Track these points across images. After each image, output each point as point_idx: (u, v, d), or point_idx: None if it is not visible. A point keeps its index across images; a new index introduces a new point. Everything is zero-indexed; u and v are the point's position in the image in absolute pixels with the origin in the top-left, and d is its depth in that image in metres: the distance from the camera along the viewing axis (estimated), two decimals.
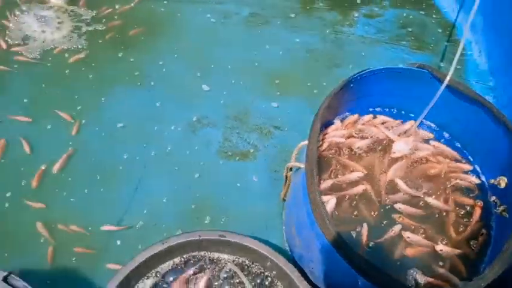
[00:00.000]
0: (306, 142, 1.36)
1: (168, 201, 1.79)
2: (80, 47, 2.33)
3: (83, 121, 2.03)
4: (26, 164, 1.85)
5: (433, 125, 1.62)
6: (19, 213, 1.71)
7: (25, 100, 2.09)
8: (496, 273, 1.00)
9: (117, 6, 2.58)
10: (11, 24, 2.36)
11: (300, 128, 2.05)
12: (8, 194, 1.75)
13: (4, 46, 2.25)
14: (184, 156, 1.95)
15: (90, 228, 1.68)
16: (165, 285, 1.29)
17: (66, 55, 2.29)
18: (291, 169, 1.52)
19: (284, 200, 1.75)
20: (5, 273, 1.17)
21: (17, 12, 2.42)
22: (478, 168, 1.47)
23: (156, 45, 2.43)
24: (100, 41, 2.39)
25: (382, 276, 1.04)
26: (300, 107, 2.17)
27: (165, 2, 2.66)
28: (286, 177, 1.59)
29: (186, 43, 2.46)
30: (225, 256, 1.37)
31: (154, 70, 2.30)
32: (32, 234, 1.65)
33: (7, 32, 2.33)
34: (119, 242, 1.65)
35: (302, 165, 1.34)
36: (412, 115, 1.63)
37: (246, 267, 1.35)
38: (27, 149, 1.89)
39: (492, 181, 1.37)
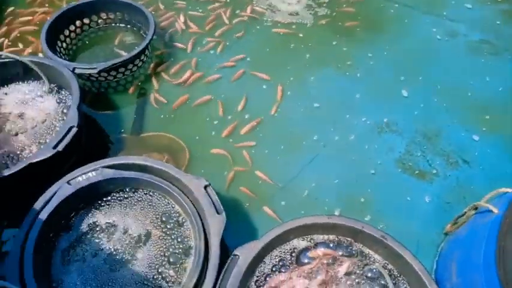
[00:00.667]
0: (508, 190, 1.27)
1: (338, 184, 1.88)
2: (304, 22, 2.57)
3: (288, 92, 2.24)
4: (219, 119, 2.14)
5: None
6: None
7: (248, 59, 2.42)
8: None
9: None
10: None
11: (493, 172, 1.89)
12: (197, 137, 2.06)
13: (249, 11, 2.64)
14: (363, 151, 2.00)
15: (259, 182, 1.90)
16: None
17: (294, 27, 2.55)
18: (475, 208, 1.44)
19: (446, 233, 1.68)
20: (207, 183, 1.45)
21: None
22: None
23: (371, 40, 2.49)
24: (323, 23, 2.58)
25: None
26: (503, 150, 1.98)
27: (396, 5, 2.69)
28: (464, 213, 1.52)
29: (400, 47, 2.46)
30: (376, 256, 1.41)
31: (362, 63, 2.38)
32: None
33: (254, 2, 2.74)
34: (283, 203, 1.82)
35: (495, 210, 1.27)
36: None
37: (393, 276, 1.37)
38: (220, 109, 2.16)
39: None
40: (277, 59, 2.40)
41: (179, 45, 2.46)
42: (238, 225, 1.70)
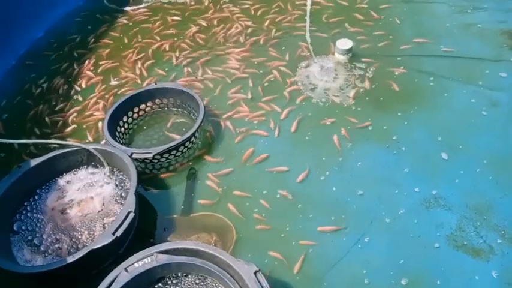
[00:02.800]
0: None
1: (388, 265, 1.85)
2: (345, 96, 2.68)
3: (326, 172, 2.26)
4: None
5: None
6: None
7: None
8: None
9: (396, 73, 2.81)
10: (301, 71, 2.92)
11: None
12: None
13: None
14: (412, 228, 1.97)
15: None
16: None
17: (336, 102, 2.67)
18: None
19: None
20: (257, 269, 1.48)
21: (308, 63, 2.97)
22: None
23: (411, 114, 2.53)
24: (366, 98, 2.68)
25: None
26: None
27: (431, 78, 2.75)
28: None
29: (442, 119, 2.47)
30: None
31: (403, 136, 2.40)
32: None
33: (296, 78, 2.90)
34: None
35: None
36: None
37: None
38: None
39: None
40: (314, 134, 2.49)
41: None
42: None
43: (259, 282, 1.44)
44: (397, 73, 2.80)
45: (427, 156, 2.28)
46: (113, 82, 2.99)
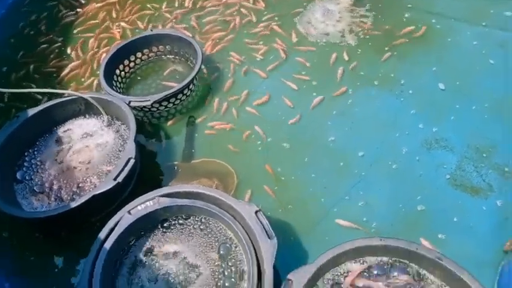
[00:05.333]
0: None
1: (388, 203, 1.86)
2: (349, 43, 2.60)
3: (334, 111, 2.26)
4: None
5: None
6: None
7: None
8: None
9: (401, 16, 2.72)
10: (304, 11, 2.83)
11: None
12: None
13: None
14: (413, 168, 1.97)
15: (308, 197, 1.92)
16: (368, 274, 1.40)
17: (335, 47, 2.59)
18: None
19: (506, 251, 1.61)
20: (257, 208, 1.50)
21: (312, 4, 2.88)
22: None
23: (418, 57, 2.47)
24: (368, 43, 2.60)
25: None
26: None
27: (436, 19, 2.65)
28: None
29: (449, 62, 2.42)
30: (432, 277, 1.38)
31: (410, 80, 2.35)
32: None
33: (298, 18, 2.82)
34: (335, 209, 1.85)
35: None
36: None
37: None
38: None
39: None
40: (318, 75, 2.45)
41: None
42: (290, 248, 1.73)
43: (260, 221, 1.47)
44: (402, 16, 2.70)
45: (433, 99, 2.25)
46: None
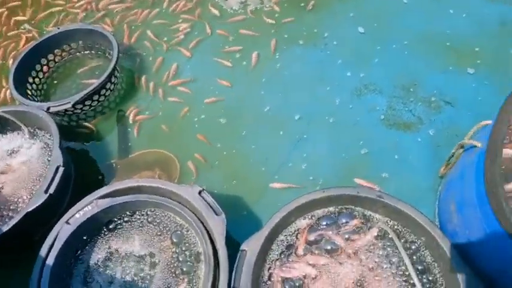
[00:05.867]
0: (488, 122, 1.29)
1: (328, 156, 1.91)
2: (268, 6, 2.58)
3: (263, 79, 2.24)
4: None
5: None
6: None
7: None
8: None
9: None
10: None
11: (476, 108, 1.92)
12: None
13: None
14: (347, 117, 2.02)
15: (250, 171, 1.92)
16: (319, 227, 1.44)
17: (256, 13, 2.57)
18: (462, 146, 1.46)
19: (442, 176, 1.71)
20: (200, 189, 1.47)
21: None
22: None
23: (336, 9, 2.50)
24: (284, 4, 2.59)
25: None
26: (480, 84, 2.00)
27: None
28: (453, 154, 1.54)
29: (365, 8, 2.47)
30: (377, 216, 1.44)
31: (332, 31, 2.38)
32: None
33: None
34: (276, 177, 1.86)
35: (479, 144, 1.29)
36: None
37: (398, 231, 1.40)
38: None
39: None
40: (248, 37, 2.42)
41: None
42: (242, 221, 1.73)
43: (205, 200, 1.45)
44: None
45: (355, 44, 2.30)
46: None
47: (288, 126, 2.03)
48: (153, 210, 1.57)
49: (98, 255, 1.50)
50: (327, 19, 2.46)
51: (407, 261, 1.30)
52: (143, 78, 2.33)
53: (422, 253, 1.35)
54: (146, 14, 2.70)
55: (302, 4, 2.55)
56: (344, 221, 1.43)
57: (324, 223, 1.44)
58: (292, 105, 2.11)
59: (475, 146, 1.32)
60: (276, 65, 2.30)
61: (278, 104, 2.13)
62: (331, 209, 1.47)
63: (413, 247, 1.36)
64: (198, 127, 2.09)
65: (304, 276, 1.34)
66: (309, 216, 1.47)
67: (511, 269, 1.14)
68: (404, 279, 1.31)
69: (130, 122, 2.15)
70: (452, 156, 1.55)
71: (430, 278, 1.30)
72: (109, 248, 1.51)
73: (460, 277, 1.21)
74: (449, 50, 2.18)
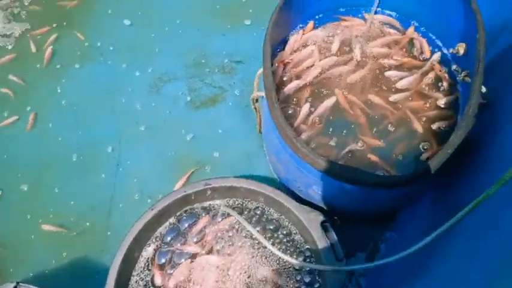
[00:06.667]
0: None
1: (154, 163, 1.81)
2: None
3: (47, 110, 1.97)
4: None
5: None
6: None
7: None
8: (460, 137, 0.99)
9: None
10: None
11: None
12: None
13: None
14: (155, 116, 1.92)
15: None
16: (165, 246, 1.32)
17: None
18: (256, 100, 1.48)
19: (260, 132, 1.75)
20: (14, 284, 1.21)
21: None
22: (438, 42, 1.42)
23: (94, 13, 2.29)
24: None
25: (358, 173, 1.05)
26: (256, 35, 2.07)
27: None
28: (255, 109, 1.57)
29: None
30: (216, 202, 1.39)
31: (100, 36, 2.19)
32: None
33: None
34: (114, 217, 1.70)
35: (263, 94, 1.31)
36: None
37: (240, 205, 1.38)
38: None
39: (451, 50, 1.33)
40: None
41: None
42: None
43: None
44: None
45: (129, 41, 2.16)
46: None
47: (102, 162, 1.84)
48: None
49: None
50: (88, 26, 2.23)
51: (250, 228, 1.27)
52: None
53: (268, 212, 1.36)
54: None
55: (54, 26, 2.27)
56: (187, 225, 1.35)
57: (169, 238, 1.33)
58: (95, 134, 1.90)
59: (263, 96, 1.35)
60: (61, 102, 2.02)
61: (77, 136, 1.91)
62: (171, 220, 1.37)
63: (258, 212, 1.36)
64: None
65: None
66: (153, 240, 1.34)
67: (328, 192, 1.21)
68: (264, 245, 1.30)
69: None
70: (256, 111, 1.58)
71: (285, 232, 1.32)
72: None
73: (302, 216, 1.24)
74: (221, 12, 2.19)
